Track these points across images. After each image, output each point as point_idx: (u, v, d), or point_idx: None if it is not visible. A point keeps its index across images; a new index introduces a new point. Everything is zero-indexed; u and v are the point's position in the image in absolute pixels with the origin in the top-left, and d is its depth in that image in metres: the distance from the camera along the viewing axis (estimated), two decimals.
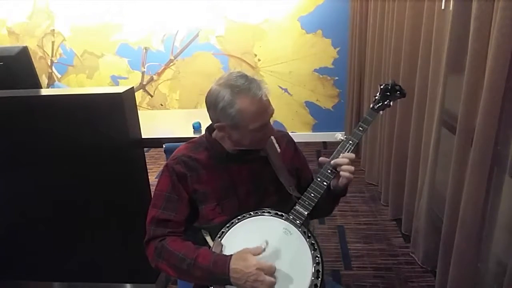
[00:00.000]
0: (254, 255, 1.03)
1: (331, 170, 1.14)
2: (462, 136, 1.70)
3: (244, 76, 1.10)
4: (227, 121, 1.10)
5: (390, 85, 1.23)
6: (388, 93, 1.22)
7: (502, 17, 1.37)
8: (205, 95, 1.15)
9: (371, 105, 1.22)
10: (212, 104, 1.10)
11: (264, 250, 1.03)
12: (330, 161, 1.15)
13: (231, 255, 1.05)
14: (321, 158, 1.17)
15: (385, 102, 1.21)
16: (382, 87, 1.24)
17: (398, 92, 1.23)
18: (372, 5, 3.02)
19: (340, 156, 1.13)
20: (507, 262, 1.42)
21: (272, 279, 1.02)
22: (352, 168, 1.11)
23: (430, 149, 2.00)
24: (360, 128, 1.17)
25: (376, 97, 1.22)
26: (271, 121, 1.15)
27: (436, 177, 2.02)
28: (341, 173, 1.11)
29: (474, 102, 1.61)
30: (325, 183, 1.13)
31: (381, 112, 1.21)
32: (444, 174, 1.94)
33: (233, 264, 1.02)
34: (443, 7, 1.90)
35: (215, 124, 1.15)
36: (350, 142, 1.16)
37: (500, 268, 1.62)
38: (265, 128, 1.12)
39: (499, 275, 1.60)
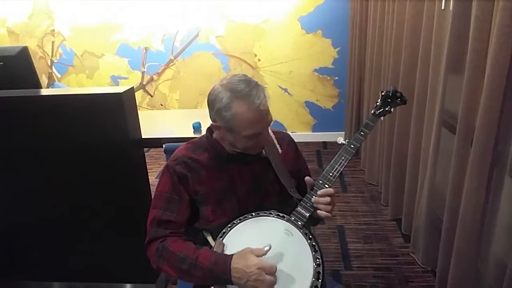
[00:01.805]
0: (256, 256, 1.03)
1: (332, 173, 1.15)
2: (462, 136, 1.70)
3: (247, 81, 1.08)
4: (222, 123, 1.10)
5: (391, 92, 1.25)
6: (389, 100, 1.24)
7: (502, 17, 1.37)
8: (206, 94, 1.15)
9: (372, 111, 1.24)
10: (211, 103, 1.11)
11: (266, 252, 1.03)
12: (333, 164, 1.16)
13: (232, 254, 1.05)
14: (306, 178, 1.16)
15: (386, 108, 1.23)
16: (383, 93, 1.25)
17: (399, 99, 1.25)
18: (372, 5, 3.02)
19: (318, 194, 1.12)
20: (507, 262, 1.42)
21: (272, 278, 1.02)
22: (329, 207, 1.11)
23: (430, 149, 2.00)
24: (362, 133, 1.19)
25: (377, 103, 1.24)
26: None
27: (436, 177, 2.02)
28: (318, 212, 1.12)
29: (474, 102, 1.61)
30: (327, 186, 1.14)
31: (382, 117, 1.23)
32: (444, 174, 1.94)
33: (234, 264, 1.03)
34: (443, 7, 1.90)
35: (211, 123, 1.15)
36: (352, 146, 1.18)
37: (500, 268, 1.62)
38: (260, 136, 1.11)
39: (499, 275, 1.60)
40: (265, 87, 1.11)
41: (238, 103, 1.05)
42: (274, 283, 1.02)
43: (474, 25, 1.56)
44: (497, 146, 1.55)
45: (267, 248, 1.03)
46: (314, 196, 1.13)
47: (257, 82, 1.10)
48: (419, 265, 2.20)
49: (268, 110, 1.10)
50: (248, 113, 1.05)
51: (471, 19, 1.58)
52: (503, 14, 1.36)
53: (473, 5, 1.57)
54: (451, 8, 1.77)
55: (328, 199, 1.11)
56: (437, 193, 2.06)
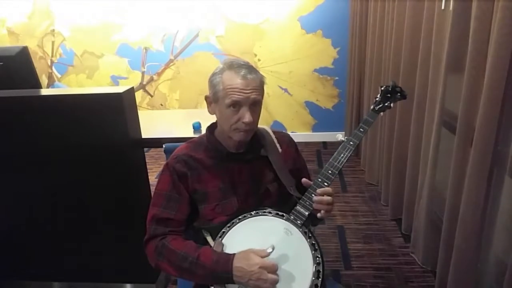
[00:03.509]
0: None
1: (331, 171, 1.15)
2: (462, 136, 1.70)
3: (246, 62, 1.15)
4: (211, 91, 1.15)
5: (390, 86, 1.23)
6: (388, 95, 1.22)
7: (502, 17, 1.37)
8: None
9: (371, 106, 1.22)
10: (210, 75, 1.16)
11: (268, 254, 1.03)
12: (332, 161, 1.16)
13: (234, 254, 1.06)
14: (303, 180, 1.16)
15: (386, 104, 1.22)
16: (383, 88, 1.24)
17: (398, 94, 1.23)
18: (372, 5, 3.02)
19: (318, 192, 1.12)
20: (507, 262, 1.42)
21: (275, 276, 1.02)
22: (330, 207, 1.11)
23: (430, 149, 2.00)
24: (361, 129, 1.18)
25: (377, 99, 1.23)
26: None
27: (436, 177, 2.02)
28: (318, 215, 1.11)
29: (474, 102, 1.61)
30: (326, 184, 1.14)
31: (381, 113, 1.22)
32: (444, 174, 1.94)
33: (236, 263, 1.03)
34: (443, 7, 1.90)
35: (205, 95, 1.19)
36: (351, 143, 1.17)
37: (500, 268, 1.62)
38: (241, 109, 1.10)
39: (499, 275, 1.60)
40: (264, 77, 1.15)
41: (228, 71, 1.11)
42: (277, 281, 1.02)
43: (474, 25, 1.56)
44: (497, 146, 1.56)
45: (270, 250, 1.03)
46: (313, 195, 1.13)
47: (255, 69, 1.14)
48: (419, 265, 2.20)
49: (256, 89, 1.11)
50: (233, 80, 1.09)
51: (471, 19, 1.58)
52: (503, 14, 1.36)
53: (473, 5, 1.57)
54: (451, 8, 1.77)
55: (329, 198, 1.10)
56: (437, 193, 2.06)
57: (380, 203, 2.91)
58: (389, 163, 2.70)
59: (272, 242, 1.07)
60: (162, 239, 1.14)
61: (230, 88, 1.09)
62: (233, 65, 1.12)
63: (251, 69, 1.12)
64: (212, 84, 1.14)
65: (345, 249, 2.39)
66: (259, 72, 1.14)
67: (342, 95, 4.11)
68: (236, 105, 1.10)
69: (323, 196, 1.11)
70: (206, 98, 1.19)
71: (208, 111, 1.20)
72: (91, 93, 1.76)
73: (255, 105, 1.12)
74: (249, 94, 1.09)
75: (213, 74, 1.14)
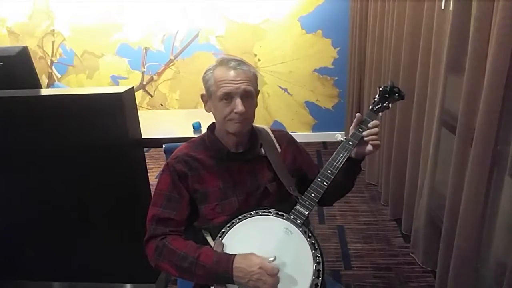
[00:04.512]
0: None
1: (331, 171, 1.15)
2: (462, 136, 1.70)
3: (237, 58, 1.16)
4: (205, 87, 1.17)
5: (388, 87, 1.23)
6: (387, 95, 1.22)
7: (502, 17, 1.37)
8: None
9: (370, 107, 1.22)
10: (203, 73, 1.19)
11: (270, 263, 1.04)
12: (331, 161, 1.16)
13: (235, 254, 1.06)
14: (358, 114, 1.20)
15: (384, 104, 1.21)
16: (381, 89, 1.23)
17: (396, 95, 1.23)
18: (372, 5, 3.02)
19: (370, 125, 1.16)
20: (507, 262, 1.42)
21: (274, 279, 1.02)
22: (378, 142, 1.16)
23: (430, 149, 2.00)
24: (360, 129, 1.17)
25: (375, 99, 1.22)
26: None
27: (436, 177, 2.02)
28: (370, 142, 1.15)
29: (474, 102, 1.61)
30: (325, 183, 1.14)
31: (380, 114, 1.21)
32: (444, 174, 1.94)
33: (236, 263, 1.03)
34: (443, 7, 1.90)
35: (201, 94, 1.21)
36: (350, 142, 1.16)
37: (500, 268, 1.62)
38: (233, 101, 1.11)
39: (499, 275, 1.60)
40: (260, 74, 1.15)
41: (219, 66, 1.14)
42: (277, 282, 1.02)
43: (474, 25, 1.56)
44: (497, 146, 1.56)
45: (271, 259, 1.04)
46: (313, 194, 1.13)
47: (247, 63, 1.16)
48: (419, 265, 2.20)
49: (247, 80, 1.12)
50: (223, 72, 1.12)
51: (471, 19, 1.58)
52: (503, 14, 1.36)
53: (473, 5, 1.57)
54: (451, 8, 1.77)
55: (377, 129, 1.15)
56: (437, 193, 2.06)
57: (380, 203, 2.91)
58: (389, 163, 2.70)
59: (272, 242, 1.07)
60: (162, 239, 1.14)
61: (220, 81, 1.11)
62: (224, 61, 1.14)
63: (241, 62, 1.14)
64: (204, 80, 1.16)
65: (345, 249, 2.39)
66: (252, 66, 1.16)
67: (342, 95, 4.11)
68: (228, 97, 1.11)
69: (374, 127, 1.15)
70: (202, 96, 1.21)
71: (205, 110, 1.22)
72: (91, 93, 1.76)
73: (248, 96, 1.13)
74: (239, 84, 1.10)
75: (206, 71, 1.17)
